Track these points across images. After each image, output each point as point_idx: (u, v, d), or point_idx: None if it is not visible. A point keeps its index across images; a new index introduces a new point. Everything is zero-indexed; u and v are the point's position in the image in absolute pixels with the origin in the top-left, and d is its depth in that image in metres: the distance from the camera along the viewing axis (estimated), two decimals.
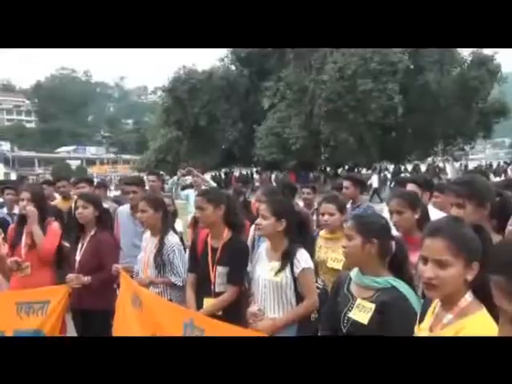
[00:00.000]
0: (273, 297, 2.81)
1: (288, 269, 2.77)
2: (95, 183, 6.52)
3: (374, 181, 22.11)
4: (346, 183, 4.60)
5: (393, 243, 2.28)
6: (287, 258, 2.79)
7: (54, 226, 4.03)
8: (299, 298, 2.79)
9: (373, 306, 2.16)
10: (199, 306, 3.13)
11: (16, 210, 5.43)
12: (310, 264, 2.83)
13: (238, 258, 3.11)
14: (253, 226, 3.81)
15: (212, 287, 3.12)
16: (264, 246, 3.02)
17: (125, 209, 4.69)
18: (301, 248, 2.83)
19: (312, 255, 2.95)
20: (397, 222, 2.94)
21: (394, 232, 2.76)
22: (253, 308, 2.84)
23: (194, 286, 3.25)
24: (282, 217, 2.84)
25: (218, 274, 3.11)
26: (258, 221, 2.89)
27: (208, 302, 3.10)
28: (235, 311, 3.02)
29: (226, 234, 3.19)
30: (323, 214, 3.53)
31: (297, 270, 2.76)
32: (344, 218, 3.51)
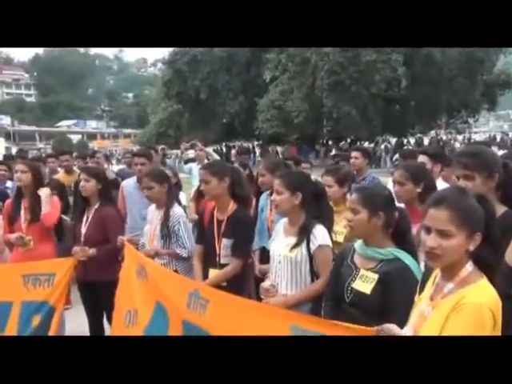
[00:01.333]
0: (287, 273, 2.76)
1: (304, 245, 2.70)
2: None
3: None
4: (355, 153, 4.76)
5: (396, 214, 2.29)
6: (303, 234, 2.72)
7: (54, 198, 4.06)
8: (314, 275, 2.73)
9: (376, 276, 2.18)
10: (205, 276, 3.17)
11: (8, 184, 5.47)
12: (328, 241, 2.73)
13: (242, 231, 3.13)
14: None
15: (217, 259, 3.15)
16: (282, 221, 2.97)
17: (130, 182, 4.73)
18: (318, 223, 2.73)
19: (330, 229, 2.84)
20: (397, 192, 2.95)
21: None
22: (265, 283, 2.81)
23: (200, 257, 3.29)
24: (296, 189, 2.76)
25: (223, 246, 3.14)
26: (273, 197, 2.82)
27: (213, 273, 3.14)
28: (240, 284, 3.06)
29: (232, 206, 3.20)
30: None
31: (313, 247, 2.69)
32: (344, 191, 3.51)
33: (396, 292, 2.08)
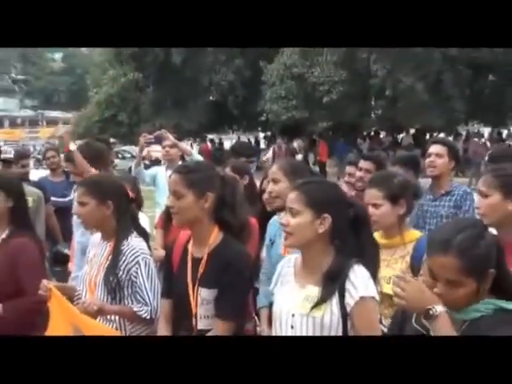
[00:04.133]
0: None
1: (336, 299, 2.69)
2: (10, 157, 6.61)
3: None
4: (435, 148, 4.83)
5: None
6: (334, 281, 2.69)
7: None
8: None
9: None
10: None
11: None
12: (372, 291, 2.73)
13: (231, 276, 3.12)
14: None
15: (193, 321, 3.17)
16: (289, 260, 2.98)
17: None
18: (357, 264, 2.73)
19: (375, 275, 2.83)
20: (479, 208, 3.10)
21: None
22: None
23: (169, 318, 3.30)
24: (323, 210, 2.74)
25: (202, 301, 3.15)
26: (284, 220, 2.81)
27: None
28: None
29: (215, 236, 3.23)
30: (367, 205, 3.56)
31: (351, 301, 2.66)
32: (401, 212, 3.54)
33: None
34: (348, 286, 2.69)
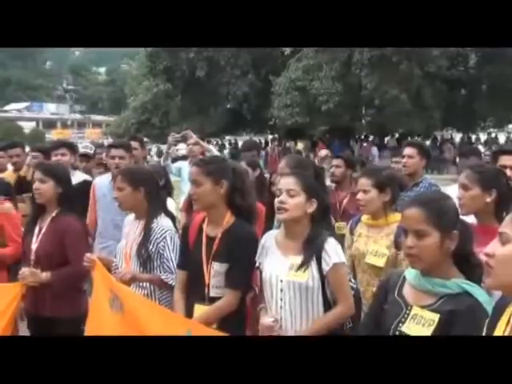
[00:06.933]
0: (294, 303, 2.84)
1: (314, 265, 2.83)
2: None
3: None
4: (409, 150, 4.83)
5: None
6: (312, 250, 2.84)
7: (9, 209, 4.15)
8: (327, 303, 2.86)
9: (436, 316, 2.16)
10: (189, 313, 3.16)
11: None
12: (343, 257, 2.92)
13: (241, 252, 3.11)
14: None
15: (206, 290, 3.16)
16: (270, 235, 3.06)
17: (103, 180, 4.85)
18: (329, 236, 2.89)
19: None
20: (460, 199, 3.04)
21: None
22: (266, 320, 2.85)
23: (183, 286, 3.28)
24: (313, 195, 2.89)
25: (214, 273, 3.14)
26: (282, 198, 2.88)
27: (199, 310, 3.13)
28: (234, 326, 3.03)
29: (228, 219, 3.21)
30: (358, 191, 3.68)
31: (326, 267, 2.82)
32: (386, 199, 3.55)
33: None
34: (324, 254, 2.84)
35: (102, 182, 4.86)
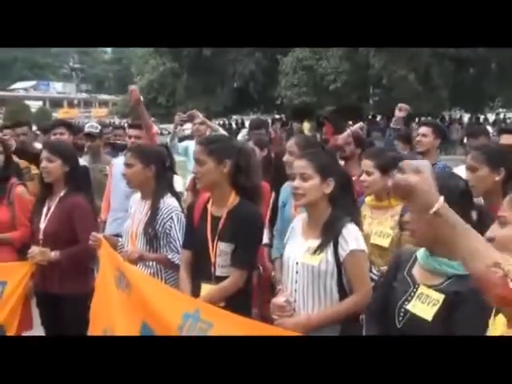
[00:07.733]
0: (307, 286, 2.80)
1: (330, 250, 2.75)
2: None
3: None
4: (424, 129, 4.85)
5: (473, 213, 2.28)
6: (329, 234, 2.77)
7: (22, 193, 4.20)
8: (343, 291, 2.78)
9: (441, 297, 2.17)
10: (195, 293, 3.16)
11: None
12: (363, 245, 2.80)
13: (246, 232, 3.11)
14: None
15: (212, 269, 3.16)
16: (299, 219, 3.00)
17: (121, 160, 4.82)
18: (349, 222, 2.80)
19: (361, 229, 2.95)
20: (470, 180, 2.97)
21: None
22: (278, 299, 2.82)
23: (189, 266, 3.28)
24: (328, 175, 2.80)
25: (220, 253, 3.13)
26: (296, 184, 2.83)
27: (206, 289, 3.13)
28: (241, 304, 3.04)
29: (233, 199, 3.19)
30: (362, 173, 3.65)
31: (343, 253, 2.74)
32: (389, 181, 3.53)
33: (467, 318, 2.07)
34: (341, 240, 2.75)
35: (120, 163, 4.84)
